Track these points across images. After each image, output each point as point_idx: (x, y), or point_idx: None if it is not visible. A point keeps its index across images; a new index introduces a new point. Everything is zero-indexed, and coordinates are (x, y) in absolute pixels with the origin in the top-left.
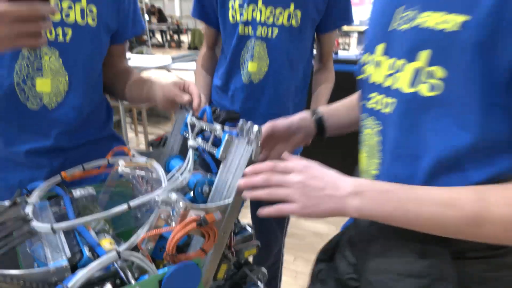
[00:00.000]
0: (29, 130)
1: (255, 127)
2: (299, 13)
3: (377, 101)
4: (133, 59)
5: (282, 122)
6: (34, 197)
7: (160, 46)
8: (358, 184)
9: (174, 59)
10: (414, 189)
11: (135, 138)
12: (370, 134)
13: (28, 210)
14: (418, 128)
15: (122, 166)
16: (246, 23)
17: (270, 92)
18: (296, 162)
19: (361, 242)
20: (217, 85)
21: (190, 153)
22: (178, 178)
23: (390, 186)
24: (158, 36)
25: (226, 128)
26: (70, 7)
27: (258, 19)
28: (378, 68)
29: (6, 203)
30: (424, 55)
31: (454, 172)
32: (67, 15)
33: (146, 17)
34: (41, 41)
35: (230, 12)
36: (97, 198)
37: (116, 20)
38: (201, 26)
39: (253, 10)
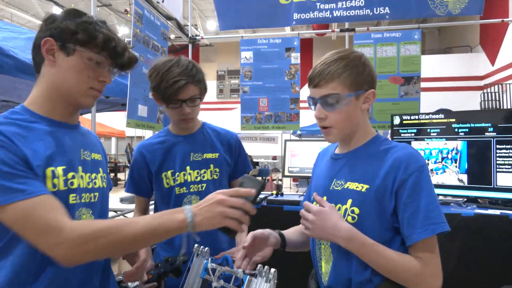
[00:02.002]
0: None
1: (272, 270)
2: (217, 170)
3: None
4: None
5: (258, 231)
6: None
7: None
8: (349, 235)
9: (122, 200)
10: (379, 247)
11: None
12: (325, 247)
13: None
14: None
15: None
16: (180, 185)
17: (209, 231)
18: (315, 209)
19: None
20: (162, 242)
21: None
22: None
23: (368, 241)
24: None
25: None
26: (95, 178)
27: (189, 180)
28: None
29: None
30: (349, 201)
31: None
32: (94, 183)
33: None
34: (242, 228)
35: (164, 180)
36: None
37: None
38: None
39: (184, 175)
